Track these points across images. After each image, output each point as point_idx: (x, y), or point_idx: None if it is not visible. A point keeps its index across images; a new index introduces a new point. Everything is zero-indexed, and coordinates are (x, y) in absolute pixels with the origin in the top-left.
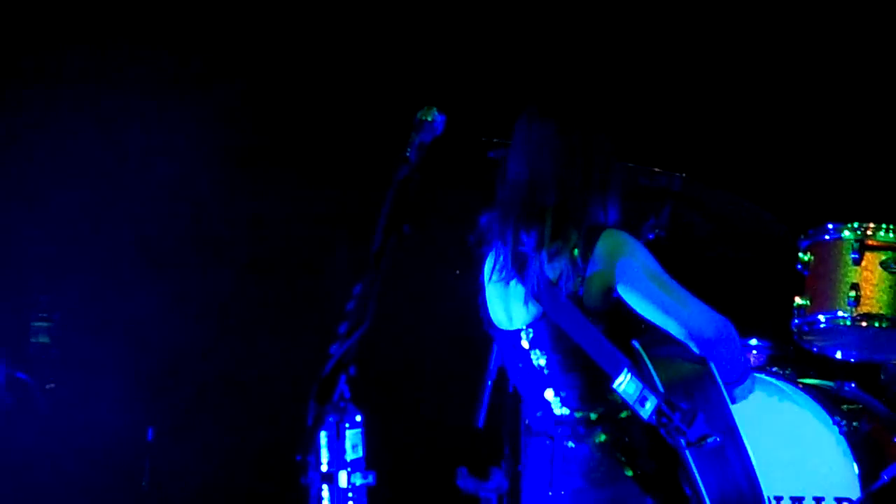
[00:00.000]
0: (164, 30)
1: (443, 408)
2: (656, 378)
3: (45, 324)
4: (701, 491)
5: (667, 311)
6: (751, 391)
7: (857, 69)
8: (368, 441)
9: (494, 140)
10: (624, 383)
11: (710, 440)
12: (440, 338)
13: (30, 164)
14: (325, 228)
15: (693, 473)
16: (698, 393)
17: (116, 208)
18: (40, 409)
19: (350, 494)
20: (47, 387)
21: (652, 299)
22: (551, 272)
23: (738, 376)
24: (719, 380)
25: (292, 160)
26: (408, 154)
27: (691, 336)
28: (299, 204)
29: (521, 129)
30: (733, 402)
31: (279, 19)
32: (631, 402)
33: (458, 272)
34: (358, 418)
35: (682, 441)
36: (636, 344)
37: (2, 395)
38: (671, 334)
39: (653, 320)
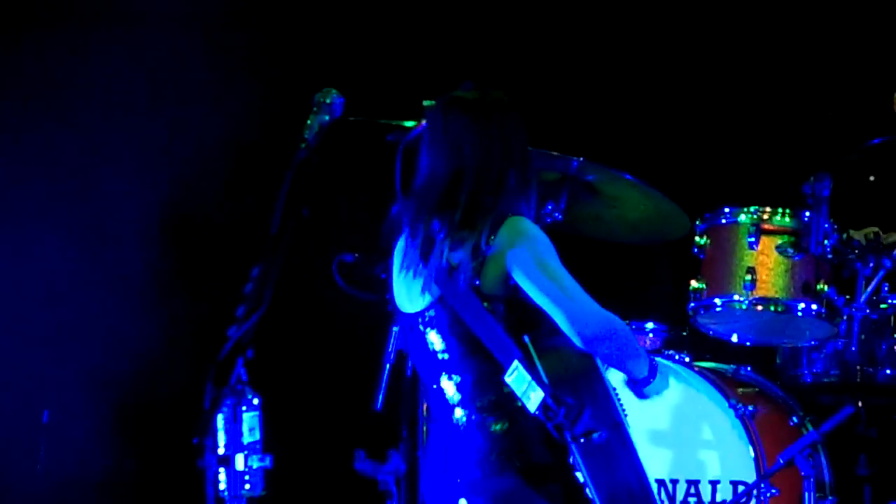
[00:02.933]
0: None
1: (341, 391)
2: (542, 372)
3: None
4: (589, 486)
5: (554, 301)
6: (666, 386)
7: (760, 54)
8: (266, 424)
9: (393, 123)
10: (513, 375)
11: (595, 435)
12: (339, 321)
13: None
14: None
15: (580, 468)
16: (584, 388)
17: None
18: None
19: (247, 477)
20: None
21: (540, 288)
22: (454, 259)
23: (641, 373)
24: (604, 375)
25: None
26: (306, 136)
27: (574, 331)
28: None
29: (435, 120)
30: (646, 398)
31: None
32: (519, 395)
33: (358, 255)
34: (255, 401)
35: (568, 436)
36: (526, 338)
37: None
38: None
39: (543, 309)
